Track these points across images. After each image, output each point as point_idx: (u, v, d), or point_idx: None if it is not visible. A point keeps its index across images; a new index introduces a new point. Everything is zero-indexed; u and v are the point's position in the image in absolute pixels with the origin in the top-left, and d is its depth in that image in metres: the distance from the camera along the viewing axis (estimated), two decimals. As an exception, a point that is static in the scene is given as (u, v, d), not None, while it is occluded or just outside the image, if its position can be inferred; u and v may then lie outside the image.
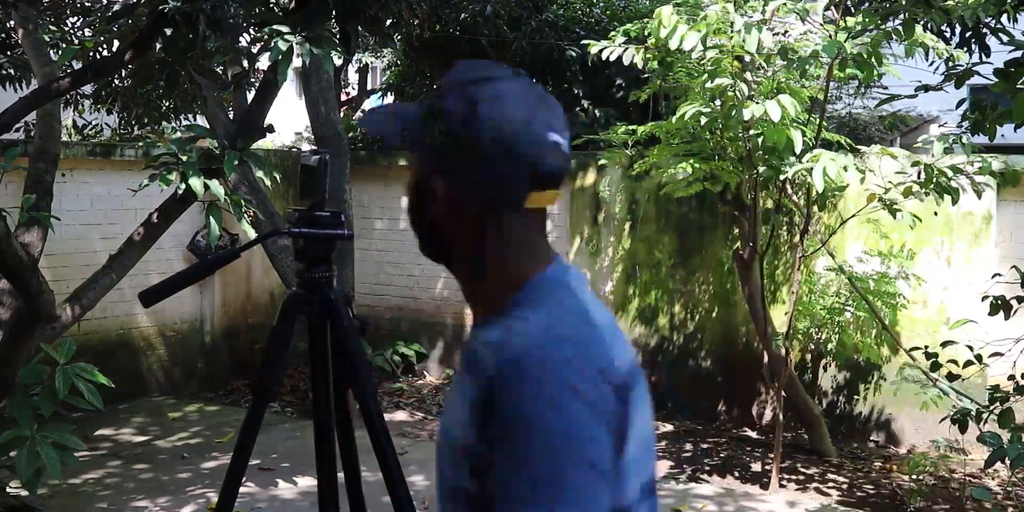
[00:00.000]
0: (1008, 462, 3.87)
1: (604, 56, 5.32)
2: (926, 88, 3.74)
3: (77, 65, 5.67)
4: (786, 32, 5.04)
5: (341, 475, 2.24)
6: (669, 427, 6.69)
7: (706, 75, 4.89)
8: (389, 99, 10.25)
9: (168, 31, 3.55)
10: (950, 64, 4.21)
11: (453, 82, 1.20)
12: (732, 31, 4.69)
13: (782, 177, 5.02)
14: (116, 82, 6.04)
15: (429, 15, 7.68)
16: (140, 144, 7.39)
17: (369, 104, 13.55)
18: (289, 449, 5.71)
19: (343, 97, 12.03)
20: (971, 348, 4.26)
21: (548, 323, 1.13)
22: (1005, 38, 3.81)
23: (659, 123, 5.61)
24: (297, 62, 3.58)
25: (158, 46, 3.64)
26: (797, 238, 5.60)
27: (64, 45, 6.41)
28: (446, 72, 1.23)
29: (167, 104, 6.75)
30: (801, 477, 5.58)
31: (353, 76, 13.12)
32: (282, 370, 2.32)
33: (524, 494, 1.04)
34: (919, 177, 4.64)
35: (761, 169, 5.10)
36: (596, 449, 1.07)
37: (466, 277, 1.24)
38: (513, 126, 1.16)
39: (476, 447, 1.11)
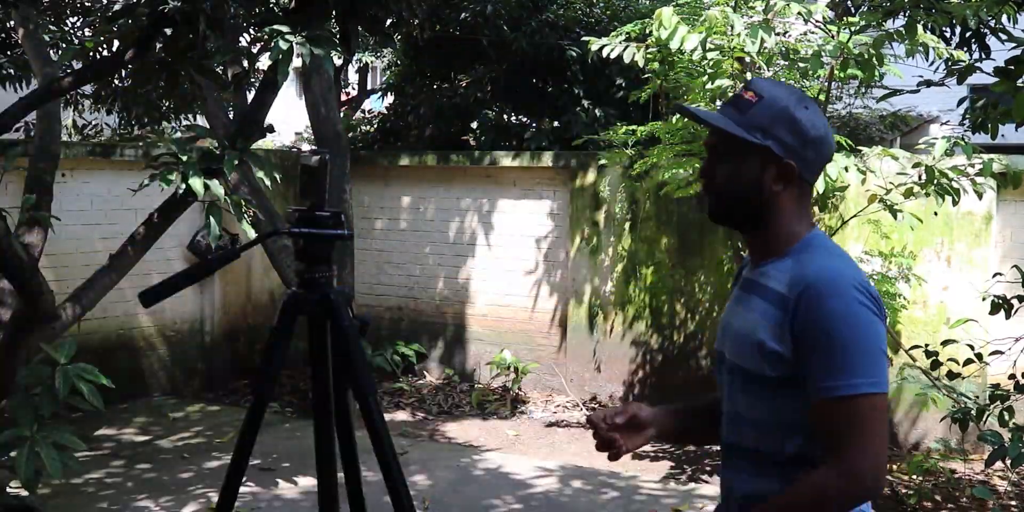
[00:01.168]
0: (1009, 461, 3.87)
1: (604, 54, 5.32)
2: (928, 83, 3.73)
3: (77, 65, 5.68)
4: (786, 32, 5.03)
5: (341, 475, 2.24)
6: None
7: (707, 77, 4.89)
8: (389, 99, 10.24)
9: (168, 31, 3.56)
10: (950, 63, 4.20)
11: (787, 99, 1.73)
12: (732, 33, 4.69)
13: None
14: (116, 82, 6.04)
15: (429, 15, 7.67)
16: (140, 144, 7.38)
17: (369, 104, 13.55)
18: (289, 449, 5.70)
19: (343, 97, 12.02)
20: (971, 347, 4.26)
21: (826, 262, 1.69)
22: (1005, 37, 3.80)
23: (659, 123, 5.60)
24: (297, 62, 3.58)
25: (158, 46, 3.64)
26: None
27: (64, 45, 6.43)
28: (772, 90, 1.75)
29: (167, 104, 6.75)
30: (801, 477, 5.57)
31: (353, 76, 13.12)
32: (281, 370, 2.32)
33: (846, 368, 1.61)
34: (920, 178, 4.64)
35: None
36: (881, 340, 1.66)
37: (758, 231, 1.78)
38: (825, 129, 1.75)
39: (777, 347, 1.67)
